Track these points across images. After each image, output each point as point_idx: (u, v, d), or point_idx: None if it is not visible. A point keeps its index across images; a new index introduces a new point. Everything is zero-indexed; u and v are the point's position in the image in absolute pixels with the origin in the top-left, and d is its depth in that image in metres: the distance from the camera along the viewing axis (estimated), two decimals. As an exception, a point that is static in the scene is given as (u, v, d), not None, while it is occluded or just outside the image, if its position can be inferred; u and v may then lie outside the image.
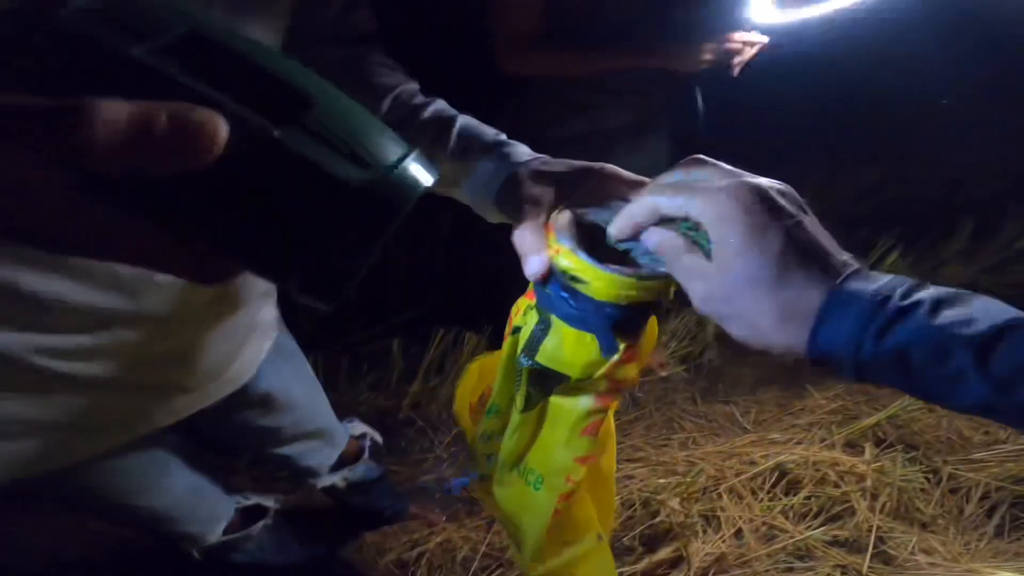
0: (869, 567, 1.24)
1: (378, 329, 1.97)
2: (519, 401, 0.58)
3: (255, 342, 0.92)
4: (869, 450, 1.47)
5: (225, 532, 1.21)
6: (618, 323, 0.50)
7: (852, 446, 1.67)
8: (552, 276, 0.50)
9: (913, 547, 1.27)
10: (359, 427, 1.46)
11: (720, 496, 1.42)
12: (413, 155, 0.31)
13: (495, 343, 1.83)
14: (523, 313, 0.56)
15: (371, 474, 1.47)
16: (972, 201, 2.48)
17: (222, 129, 0.23)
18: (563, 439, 0.59)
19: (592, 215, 0.52)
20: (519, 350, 0.56)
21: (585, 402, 0.57)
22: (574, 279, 0.48)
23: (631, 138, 1.52)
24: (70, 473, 0.78)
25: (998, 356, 0.31)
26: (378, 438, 1.47)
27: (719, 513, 1.37)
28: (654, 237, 0.45)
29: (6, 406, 0.65)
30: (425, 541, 1.53)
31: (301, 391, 1.15)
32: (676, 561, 1.26)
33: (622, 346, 0.51)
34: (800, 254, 0.38)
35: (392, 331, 1.95)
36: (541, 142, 0.68)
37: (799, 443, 1.68)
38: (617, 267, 0.48)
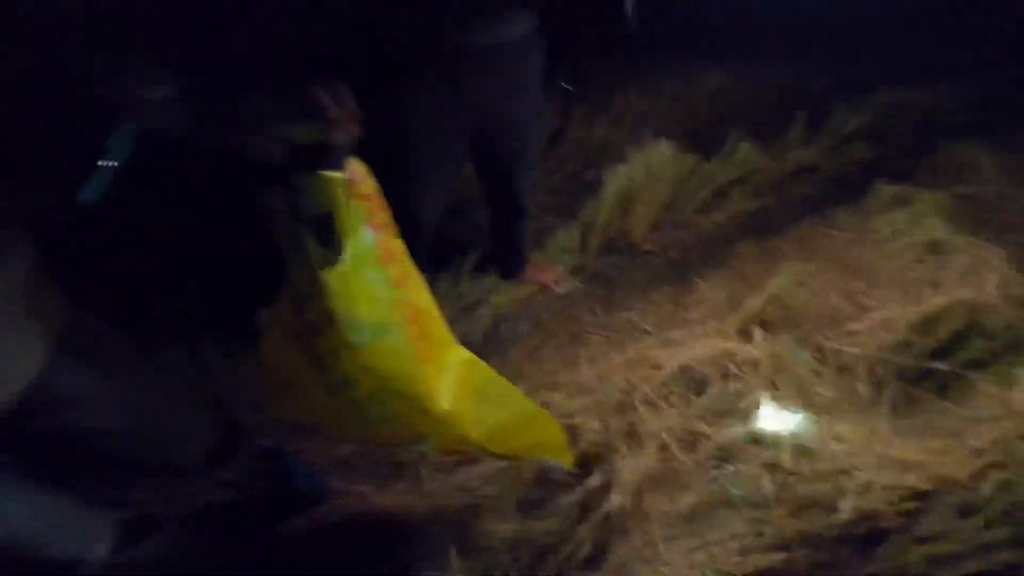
0: (793, 460, 1.30)
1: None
2: (317, 260, 0.71)
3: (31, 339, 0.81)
4: (757, 334, 1.51)
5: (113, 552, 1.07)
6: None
7: (744, 333, 1.72)
8: None
9: (825, 436, 1.34)
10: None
11: (636, 408, 1.42)
12: None
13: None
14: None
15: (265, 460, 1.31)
16: (805, 97, 2.72)
17: None
18: (375, 276, 0.74)
19: None
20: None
21: (365, 234, 0.73)
22: None
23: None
24: None
25: None
26: None
27: (640, 428, 1.38)
28: None
29: None
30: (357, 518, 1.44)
31: (109, 388, 0.95)
32: (609, 485, 1.26)
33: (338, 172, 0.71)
34: None
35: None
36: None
37: (697, 339, 1.71)
38: None
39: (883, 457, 1.28)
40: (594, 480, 1.22)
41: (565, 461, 1.20)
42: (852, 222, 2.24)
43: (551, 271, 2.05)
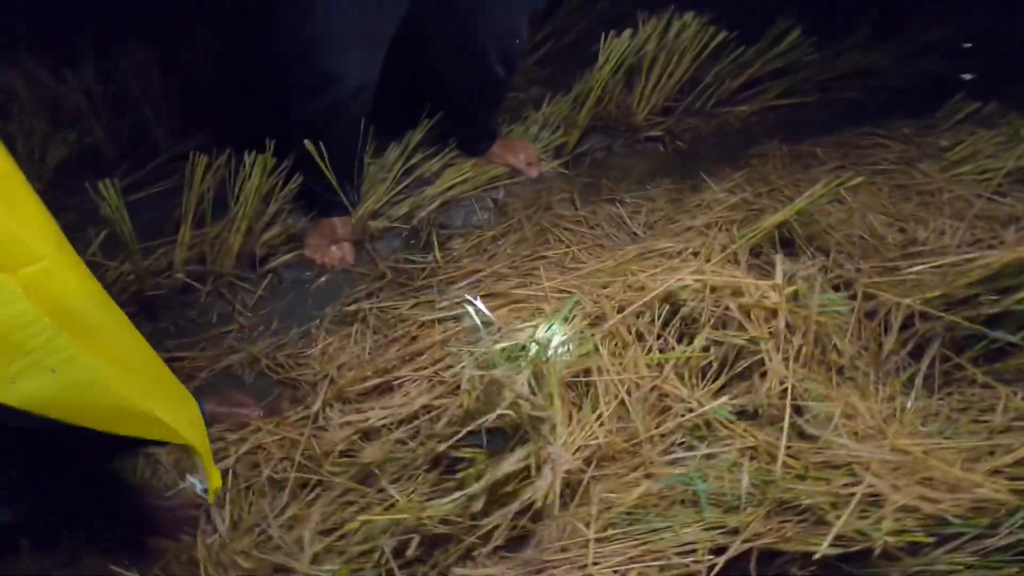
0: (786, 447, 0.89)
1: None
2: None
3: None
4: (780, 266, 1.03)
5: None
6: None
7: (757, 254, 1.26)
8: None
9: (835, 417, 0.91)
10: None
11: (598, 350, 1.00)
12: None
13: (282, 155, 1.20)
14: None
15: None
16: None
17: None
18: None
19: None
20: None
21: None
22: None
23: None
24: None
25: None
26: None
27: (595, 378, 0.96)
28: None
29: None
30: (226, 452, 1.07)
31: None
32: (541, 460, 0.85)
33: None
34: None
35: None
36: None
37: (695, 254, 1.25)
38: None
39: (901, 456, 0.88)
40: (506, 466, 0.80)
41: (212, 479, 0.78)
42: (915, 135, 1.69)
43: (524, 150, 1.54)
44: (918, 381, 1.13)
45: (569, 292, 1.17)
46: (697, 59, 1.64)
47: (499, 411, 0.75)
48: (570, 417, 0.92)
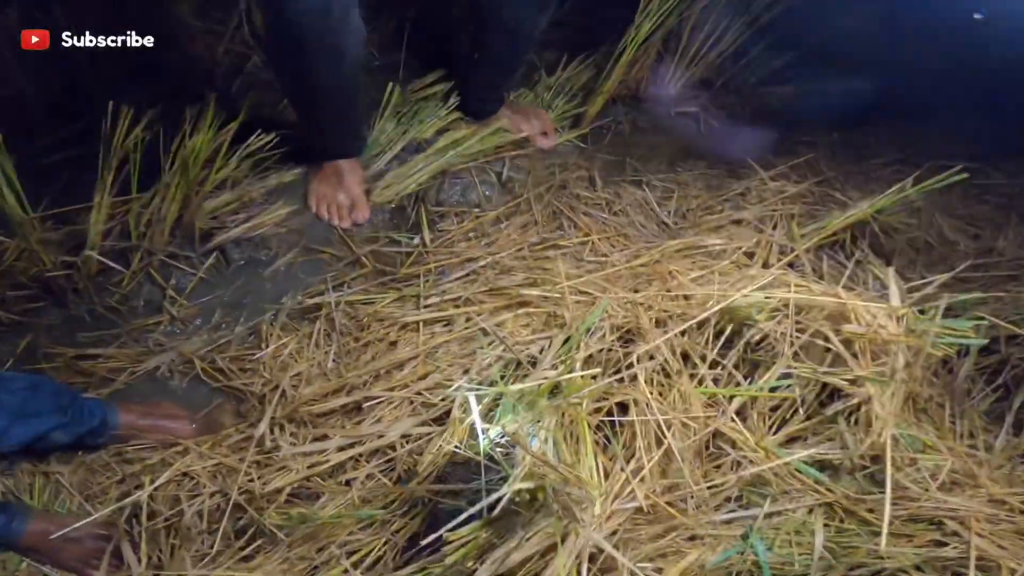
0: (868, 499, 0.66)
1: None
2: None
3: None
4: (894, 283, 0.76)
5: None
6: None
7: (821, 255, 1.03)
8: None
9: (943, 472, 0.69)
10: None
11: (634, 377, 0.76)
12: None
13: (230, 110, 0.94)
14: None
15: None
16: None
17: None
18: None
19: None
20: None
21: None
22: None
23: None
24: None
25: None
26: None
27: (634, 417, 0.72)
28: None
29: None
30: (139, 480, 0.82)
31: None
32: (549, 550, 0.61)
33: None
34: None
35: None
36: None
37: (750, 255, 1.01)
38: None
39: (996, 508, 0.67)
40: (538, 533, 0.56)
41: None
42: (987, 130, 1.46)
43: (538, 117, 1.29)
44: (1009, 418, 0.92)
45: (591, 294, 0.93)
46: (751, 26, 1.38)
47: (515, 485, 0.51)
48: (597, 465, 0.68)
